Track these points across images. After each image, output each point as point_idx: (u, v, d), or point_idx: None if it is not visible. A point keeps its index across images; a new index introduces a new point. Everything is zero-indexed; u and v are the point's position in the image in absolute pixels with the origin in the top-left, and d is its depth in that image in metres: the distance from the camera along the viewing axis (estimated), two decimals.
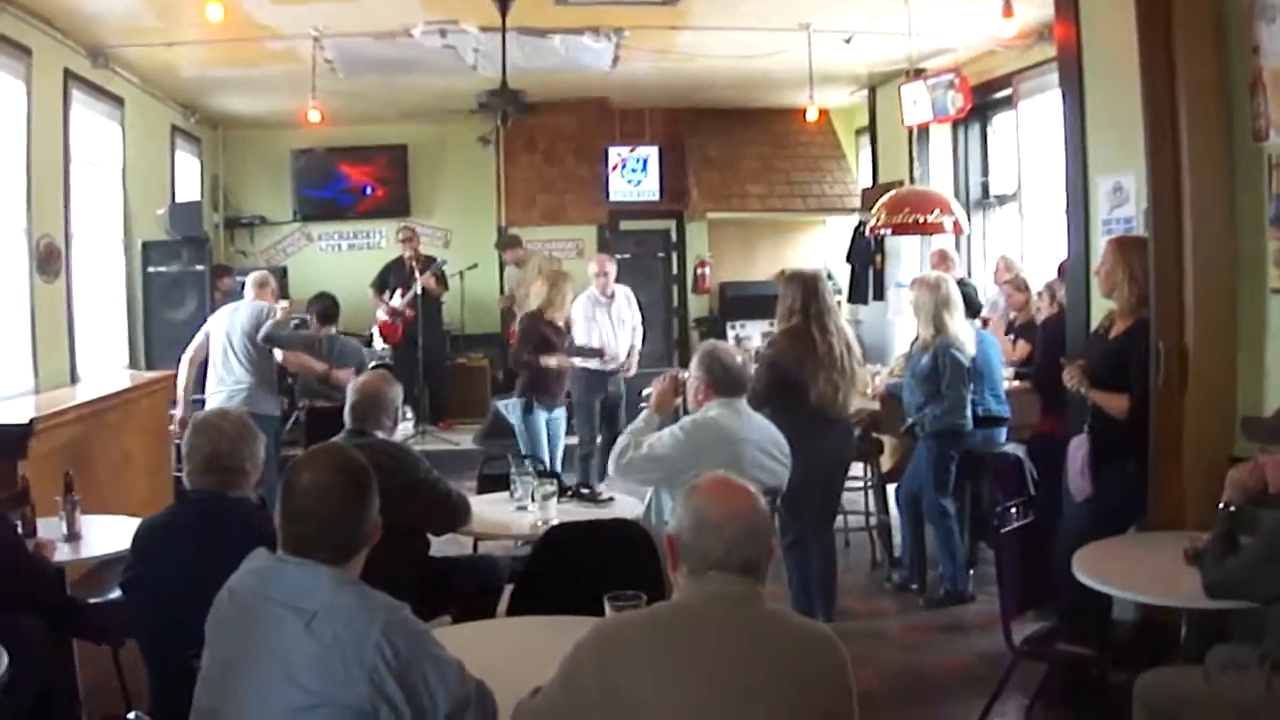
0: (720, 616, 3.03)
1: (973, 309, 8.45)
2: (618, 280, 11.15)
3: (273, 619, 3.17)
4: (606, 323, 10.94)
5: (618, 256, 14.14)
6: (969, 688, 6.40)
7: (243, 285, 10.88)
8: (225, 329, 9.77)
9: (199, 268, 12.90)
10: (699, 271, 16.70)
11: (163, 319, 12.73)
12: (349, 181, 16.79)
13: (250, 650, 3.18)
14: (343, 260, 16.55)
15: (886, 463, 9.19)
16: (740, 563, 3.08)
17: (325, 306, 10.72)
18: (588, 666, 3.01)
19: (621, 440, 6.18)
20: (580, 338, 10.73)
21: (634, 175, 16.46)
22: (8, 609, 4.67)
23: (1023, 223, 11.90)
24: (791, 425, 6.51)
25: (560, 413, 10.55)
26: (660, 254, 15.71)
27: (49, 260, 9.89)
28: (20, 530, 6.03)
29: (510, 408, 10.95)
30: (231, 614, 3.30)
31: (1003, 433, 8.13)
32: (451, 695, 3.19)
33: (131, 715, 3.23)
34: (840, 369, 7.30)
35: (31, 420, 7.81)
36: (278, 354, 10.15)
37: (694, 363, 6.39)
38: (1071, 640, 5.51)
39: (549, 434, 10.38)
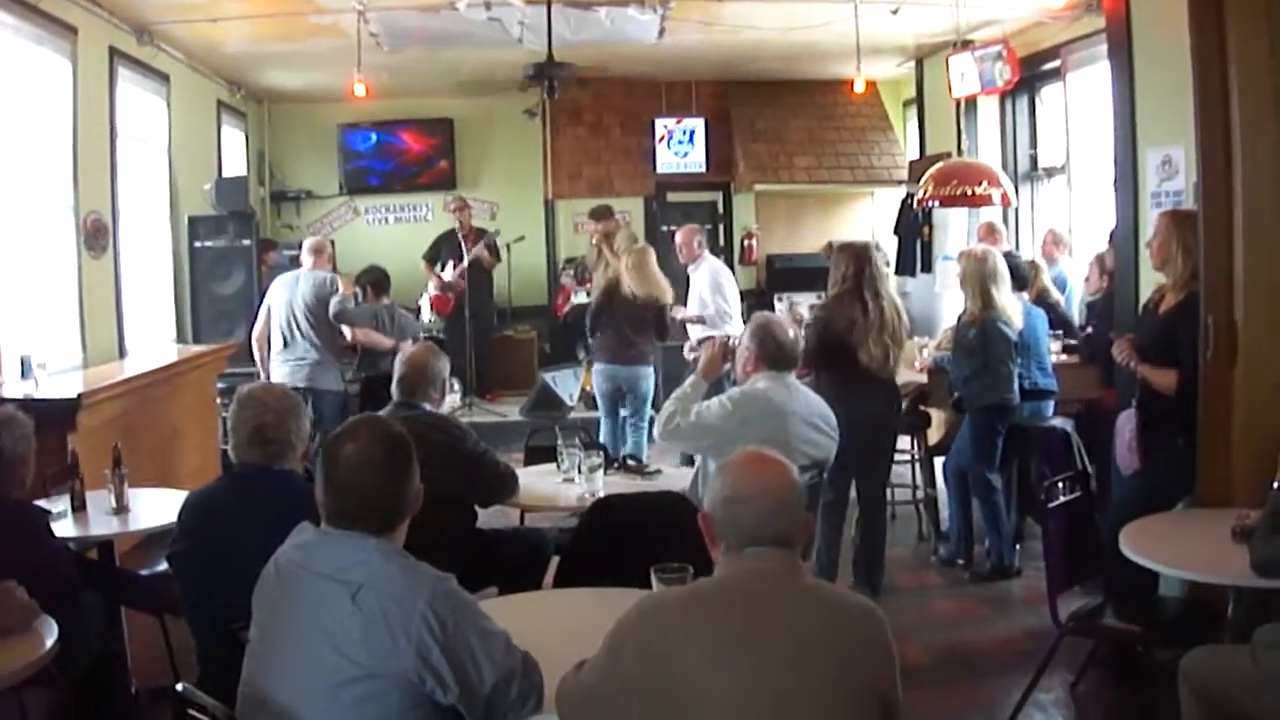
0: (760, 592, 3.03)
1: (1019, 282, 8.38)
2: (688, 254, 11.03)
3: (319, 591, 3.19)
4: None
5: (664, 228, 14.13)
6: (1014, 663, 6.38)
7: (290, 260, 10.95)
8: (286, 300, 9.78)
9: (245, 242, 12.97)
10: (746, 244, 16.66)
11: (209, 293, 12.82)
12: (395, 155, 16.82)
13: (297, 623, 3.20)
14: (390, 233, 16.61)
15: (934, 436, 9.15)
16: (773, 536, 3.07)
17: (377, 278, 10.77)
18: (630, 644, 3.01)
19: (668, 406, 6.19)
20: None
21: (681, 147, 16.43)
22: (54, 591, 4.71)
23: (1071, 196, 11.81)
24: (838, 387, 6.54)
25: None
26: (707, 226, 15.60)
27: (96, 236, 9.96)
28: (68, 508, 6.13)
29: (560, 379, 10.98)
30: (278, 587, 3.32)
31: (1050, 406, 8.10)
32: (498, 667, 3.20)
33: (179, 687, 3.24)
34: (891, 332, 7.35)
35: (80, 394, 7.87)
36: (346, 331, 10.19)
37: (745, 333, 6.40)
38: (1117, 617, 5.46)
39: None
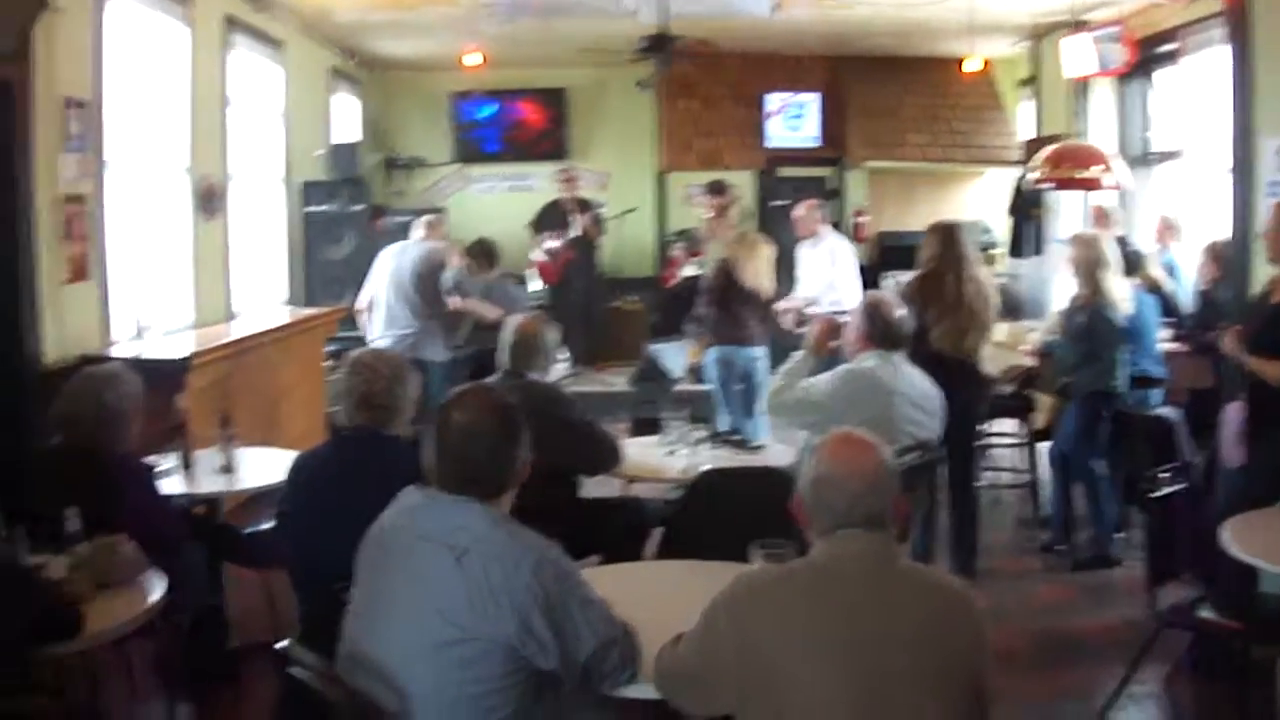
0: (852, 574, 3.05)
1: (1130, 268, 8.30)
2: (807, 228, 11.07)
3: (424, 555, 3.25)
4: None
5: (774, 203, 14.07)
6: (1111, 652, 6.35)
7: (399, 226, 11.04)
8: (395, 269, 9.86)
9: (357, 208, 13.15)
10: (856, 220, 16.56)
11: (320, 258, 13.04)
12: (512, 124, 16.87)
13: (401, 585, 3.27)
14: (500, 202, 16.64)
15: (1040, 420, 9.07)
16: (864, 517, 3.08)
17: (488, 250, 10.85)
18: (724, 623, 3.06)
19: (776, 380, 6.24)
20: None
21: (793, 121, 16.37)
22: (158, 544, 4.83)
23: (1185, 182, 11.65)
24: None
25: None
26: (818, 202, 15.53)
27: (209, 199, 10.11)
28: (176, 465, 6.28)
29: (667, 352, 10.97)
30: (383, 550, 3.40)
31: (1157, 395, 8.04)
32: (597, 635, 3.26)
33: (281, 644, 3.32)
34: (970, 313, 7.32)
35: (190, 355, 8.03)
36: (455, 300, 10.28)
37: (856, 311, 6.40)
38: (1216, 611, 5.40)
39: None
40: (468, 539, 3.21)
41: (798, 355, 6.42)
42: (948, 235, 7.48)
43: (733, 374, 9.96)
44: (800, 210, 11.08)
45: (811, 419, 6.06)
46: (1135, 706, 5.84)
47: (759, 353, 9.94)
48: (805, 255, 10.98)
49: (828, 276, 10.76)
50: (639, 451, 6.81)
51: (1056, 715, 5.88)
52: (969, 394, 7.39)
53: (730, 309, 9.86)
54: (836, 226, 15.33)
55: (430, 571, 3.22)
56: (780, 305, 10.41)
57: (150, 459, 5.93)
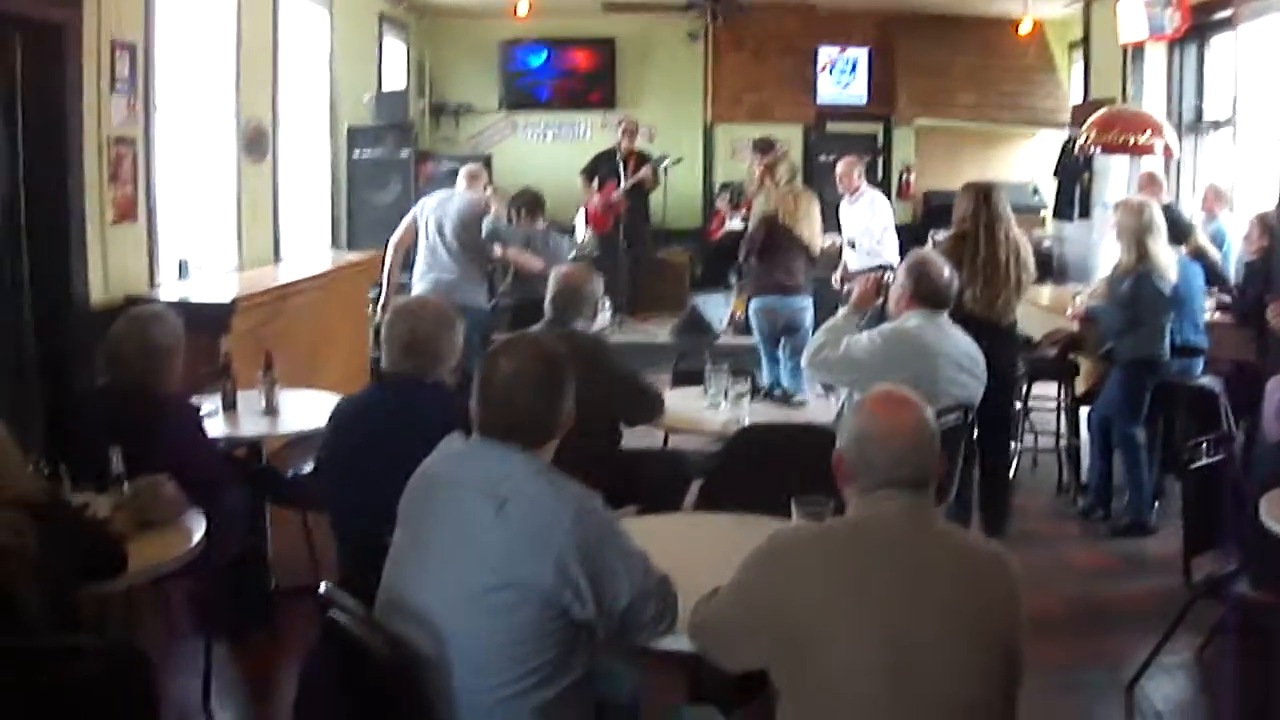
0: (893, 535, 3.03)
1: (1177, 236, 8.25)
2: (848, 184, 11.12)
3: (465, 503, 3.26)
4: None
5: (822, 158, 14.06)
6: (1145, 621, 6.33)
7: (447, 172, 11.05)
8: (436, 217, 9.85)
9: (404, 154, 13.18)
10: (904, 178, 16.53)
11: (366, 202, 13.05)
12: (563, 72, 16.88)
13: (441, 533, 3.28)
14: (547, 150, 16.69)
15: (1082, 385, 9.02)
16: (908, 477, 3.05)
17: (532, 200, 10.86)
18: (759, 580, 3.07)
19: (818, 337, 6.22)
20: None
21: (843, 77, 16.36)
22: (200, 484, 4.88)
23: (1236, 150, 11.56)
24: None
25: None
26: (866, 158, 15.38)
27: (256, 142, 10.17)
28: (219, 407, 6.35)
29: (710, 304, 10.98)
30: (424, 497, 3.40)
31: (1199, 364, 7.98)
32: (635, 586, 3.26)
33: (321, 587, 3.35)
34: (1003, 276, 7.29)
35: (235, 298, 8.12)
36: (496, 249, 10.29)
37: (901, 270, 6.38)
38: (1251, 586, 5.38)
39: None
40: (509, 488, 3.22)
41: (841, 312, 6.42)
42: (980, 195, 7.41)
43: (776, 325, 9.98)
44: (841, 166, 11.13)
45: (851, 377, 6.06)
46: (1166, 677, 5.84)
47: (804, 303, 9.97)
48: (845, 210, 11.03)
49: (866, 225, 10.81)
50: (680, 404, 6.80)
51: (1086, 682, 5.87)
52: (1002, 357, 7.35)
53: (775, 259, 9.88)
54: (884, 184, 15.41)
55: (471, 520, 3.22)
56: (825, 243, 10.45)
57: (194, 400, 5.98)
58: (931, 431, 3.15)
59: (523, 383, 3.34)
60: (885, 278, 6.70)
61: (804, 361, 6.31)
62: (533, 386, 3.35)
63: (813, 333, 9.37)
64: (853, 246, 10.86)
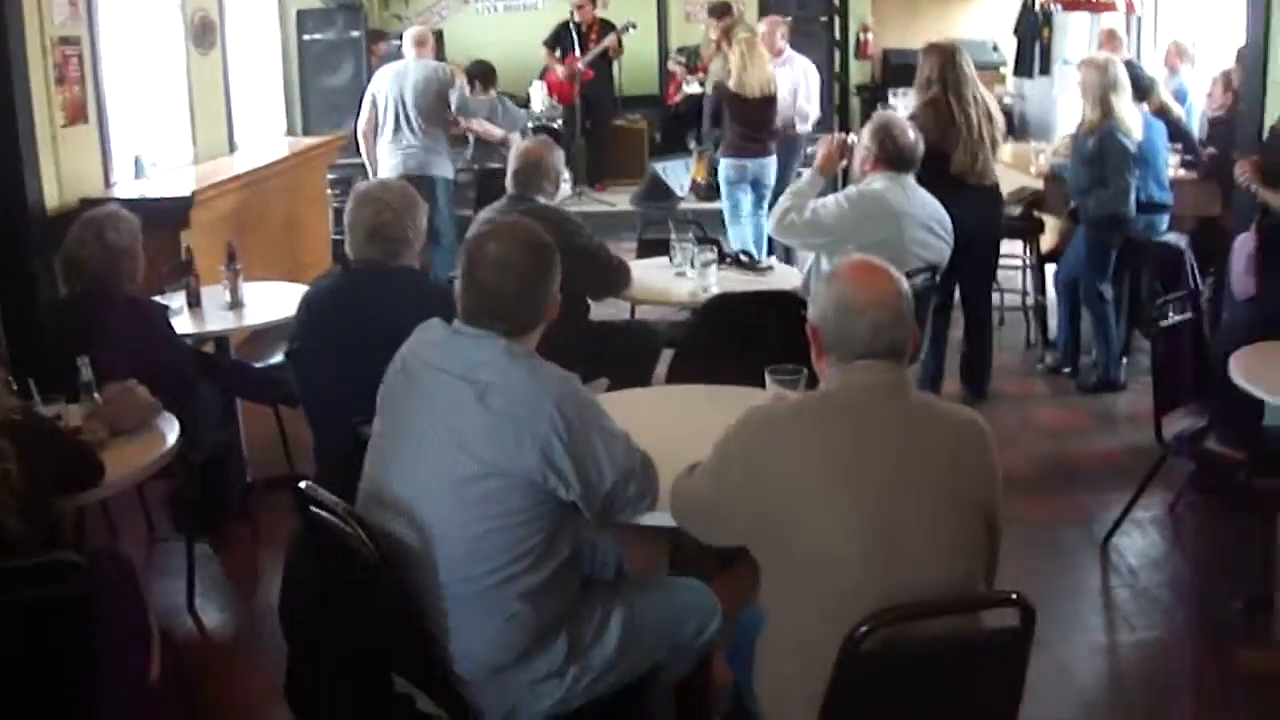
0: (868, 407, 2.99)
1: (1140, 93, 8.20)
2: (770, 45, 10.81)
3: (446, 390, 3.21)
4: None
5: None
6: (1114, 478, 6.42)
7: (399, 50, 10.90)
8: (395, 92, 9.71)
9: (354, 34, 13.01)
10: (862, 37, 16.35)
11: (319, 86, 12.93)
12: None
13: (422, 421, 3.24)
14: (499, 22, 16.36)
15: (1047, 243, 9.04)
16: (886, 348, 3.01)
17: (485, 71, 10.75)
18: (737, 457, 3.04)
19: (784, 201, 6.18)
20: None
21: None
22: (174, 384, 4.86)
23: (1197, 6, 11.45)
24: (933, 194, 6.44)
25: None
26: (823, 18, 15.27)
27: (204, 33, 10.00)
28: (184, 304, 6.30)
29: (671, 169, 10.94)
30: (404, 384, 3.35)
31: (1164, 220, 7.97)
32: (617, 466, 3.25)
33: (301, 484, 3.31)
34: (979, 138, 7.28)
35: (192, 192, 8.03)
36: (462, 121, 10.18)
37: (866, 132, 6.34)
38: (1220, 443, 5.44)
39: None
40: (490, 375, 3.18)
41: (805, 176, 6.39)
42: (945, 57, 7.40)
43: (742, 184, 10.01)
44: (764, 26, 11.00)
45: (819, 241, 6.06)
46: (1138, 532, 5.93)
47: (770, 161, 9.99)
48: (777, 73, 10.88)
49: (792, 88, 10.71)
50: (646, 274, 6.77)
51: (1059, 540, 5.95)
52: (990, 215, 7.40)
53: (736, 118, 9.90)
54: (841, 44, 15.24)
55: (452, 407, 3.19)
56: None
57: (158, 299, 5.95)
58: (908, 302, 3.10)
59: (509, 267, 3.28)
60: (849, 140, 6.64)
61: (770, 227, 6.29)
62: (518, 272, 3.29)
63: (778, 191, 9.46)
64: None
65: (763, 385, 3.90)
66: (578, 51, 14.11)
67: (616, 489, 3.27)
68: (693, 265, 6.56)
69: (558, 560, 3.25)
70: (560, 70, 14.28)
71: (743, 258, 7.06)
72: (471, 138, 10.84)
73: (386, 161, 9.62)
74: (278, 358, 5.95)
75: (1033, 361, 8.65)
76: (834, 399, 3.07)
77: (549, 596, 3.23)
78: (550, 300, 3.38)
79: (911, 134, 6.29)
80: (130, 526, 5.86)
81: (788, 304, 5.48)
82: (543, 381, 3.20)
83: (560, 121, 14.22)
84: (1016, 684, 2.92)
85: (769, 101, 9.98)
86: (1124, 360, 8.00)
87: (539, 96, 14.50)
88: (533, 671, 3.23)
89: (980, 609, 2.99)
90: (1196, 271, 7.22)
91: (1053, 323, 8.69)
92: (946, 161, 7.10)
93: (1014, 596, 2.82)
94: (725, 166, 10.24)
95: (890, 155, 6.17)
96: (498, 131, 10.25)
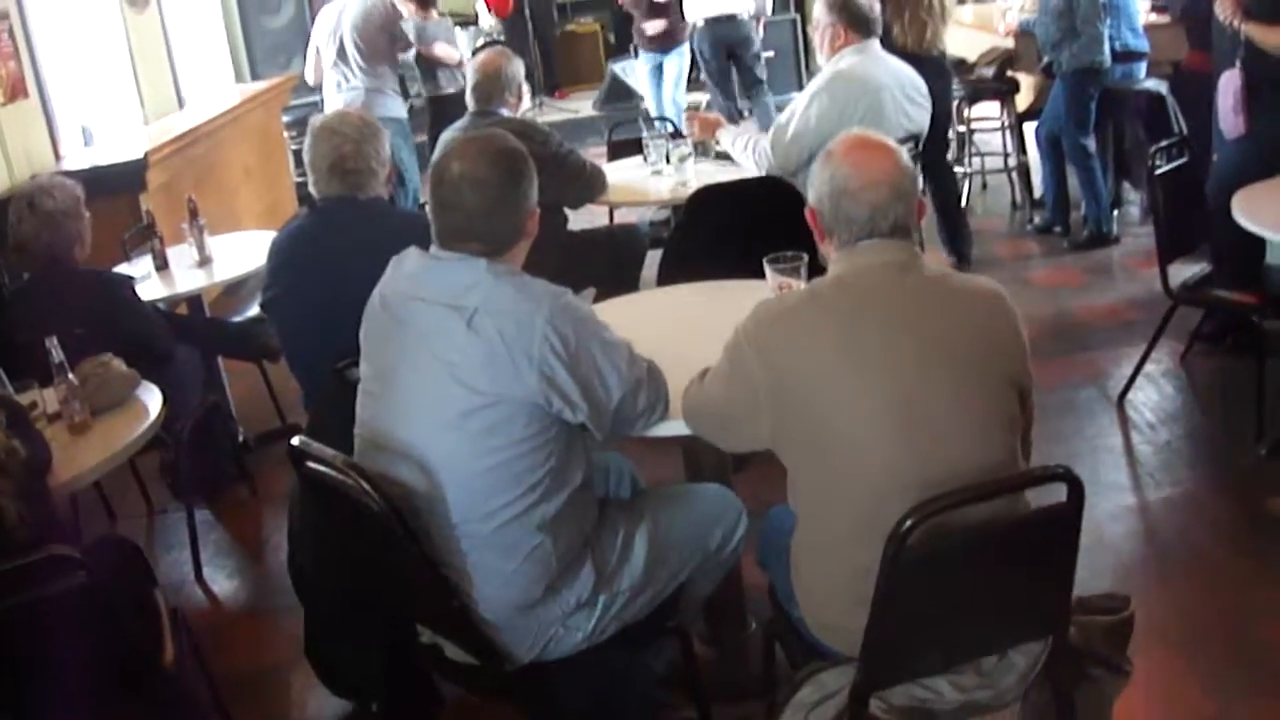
0: (881, 287, 2.87)
1: None
2: None
3: (431, 321, 3.05)
4: None
5: None
6: (1120, 333, 6.39)
7: None
8: (333, 30, 9.36)
9: None
10: None
11: (261, 28, 12.76)
12: None
13: (411, 356, 3.09)
14: None
15: (1023, 101, 8.93)
16: (890, 226, 2.89)
17: None
18: (751, 356, 2.90)
19: (742, 147, 5.98)
20: None
21: None
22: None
23: None
24: None
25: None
26: None
27: None
28: (152, 269, 6.20)
29: (629, 69, 10.89)
30: (386, 321, 3.19)
31: (1142, 68, 7.85)
32: (623, 379, 3.11)
33: (295, 441, 3.15)
34: (927, 6, 7.20)
35: (146, 153, 7.87)
36: (422, 48, 9.96)
37: (820, 7, 5.98)
38: (1228, 286, 5.37)
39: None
40: (476, 299, 3.01)
41: (721, 134, 6.29)
42: None
43: (723, 50, 10.37)
44: None
45: (814, 145, 5.59)
46: (1152, 386, 5.87)
47: (747, 25, 10.34)
48: None
49: None
50: (621, 176, 6.65)
51: (1075, 401, 5.87)
52: (938, 86, 7.16)
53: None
54: None
55: (441, 337, 3.03)
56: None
57: (123, 267, 5.92)
58: (911, 175, 2.97)
59: (473, 185, 3.10)
60: (711, 117, 6.68)
61: (752, 163, 6.00)
62: (488, 185, 3.11)
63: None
64: None
65: (759, 277, 3.76)
66: None
67: (625, 402, 3.12)
68: (668, 161, 6.43)
69: (572, 486, 3.12)
70: None
71: (718, 148, 6.84)
72: (419, 66, 10.60)
73: (331, 107, 9.32)
74: (255, 310, 5.81)
75: (1021, 222, 8.60)
76: (844, 282, 2.92)
77: (568, 525, 3.11)
78: (528, 211, 3.20)
79: None
80: (127, 504, 5.81)
81: (774, 190, 5.35)
82: (532, 298, 3.02)
83: (505, 36, 13.96)
84: (1069, 561, 2.80)
85: None
86: (1115, 212, 7.91)
87: (483, 13, 14.28)
88: (562, 605, 3.11)
89: (1026, 487, 2.86)
90: (1179, 116, 7.08)
91: (1037, 181, 8.59)
92: (889, 32, 6.91)
93: (1060, 471, 2.67)
94: (700, 37, 10.54)
95: (857, 20, 5.77)
96: (456, 54, 10.04)
